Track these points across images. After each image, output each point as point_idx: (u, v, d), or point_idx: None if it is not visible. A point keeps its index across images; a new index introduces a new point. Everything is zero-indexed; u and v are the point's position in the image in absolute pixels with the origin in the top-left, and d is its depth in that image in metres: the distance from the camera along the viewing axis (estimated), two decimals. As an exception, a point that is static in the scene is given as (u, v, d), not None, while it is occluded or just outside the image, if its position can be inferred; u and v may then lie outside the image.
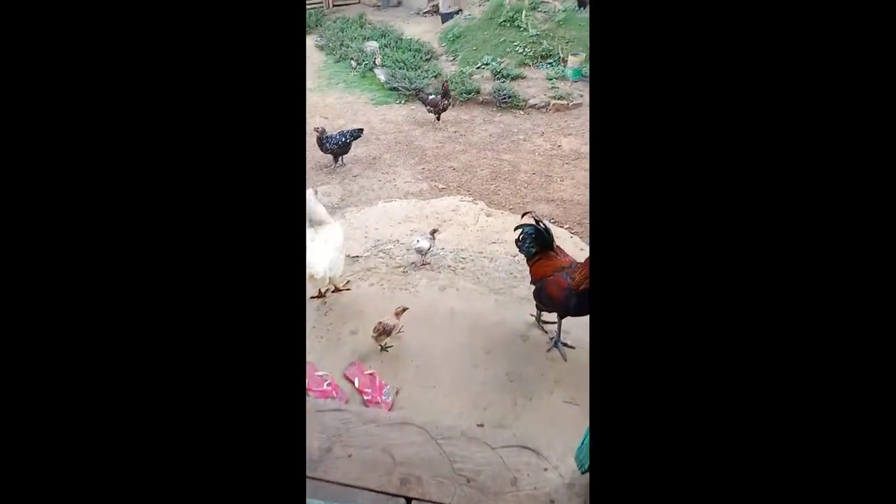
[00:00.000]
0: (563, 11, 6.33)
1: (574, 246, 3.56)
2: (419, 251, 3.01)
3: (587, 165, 4.71)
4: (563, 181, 4.30)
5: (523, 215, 2.58)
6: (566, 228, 3.79)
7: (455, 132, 5.12)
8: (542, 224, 2.42)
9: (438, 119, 5.16)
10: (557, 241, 3.75)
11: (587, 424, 2.20)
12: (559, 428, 2.03)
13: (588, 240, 3.74)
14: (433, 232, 3.12)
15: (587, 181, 4.26)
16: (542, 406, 2.12)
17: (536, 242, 2.42)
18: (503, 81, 5.67)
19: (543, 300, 2.34)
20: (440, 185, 4.28)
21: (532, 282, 2.42)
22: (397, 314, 2.33)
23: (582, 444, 1.55)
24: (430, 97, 5.12)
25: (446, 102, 5.07)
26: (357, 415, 1.35)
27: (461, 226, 3.80)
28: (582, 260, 2.36)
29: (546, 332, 2.47)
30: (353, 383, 2.22)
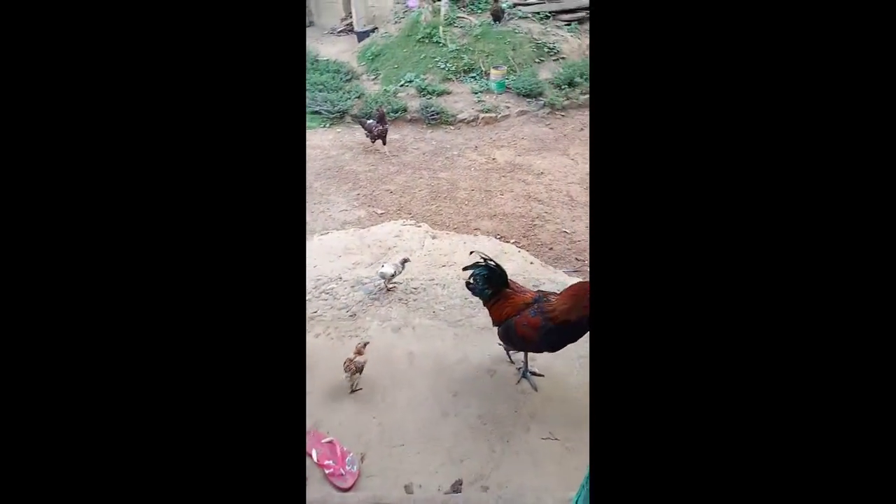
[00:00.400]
0: (479, 26, 6.34)
1: (524, 260, 3.46)
2: (382, 276, 2.86)
3: (524, 177, 4.69)
4: (502, 195, 4.21)
5: (471, 253, 2.34)
6: (513, 243, 3.69)
7: (387, 153, 4.90)
8: (491, 262, 2.20)
9: (375, 142, 4.85)
10: (506, 257, 3.66)
11: (569, 462, 2.02)
12: (542, 470, 1.87)
13: (534, 252, 3.67)
14: (404, 261, 2.96)
15: (526, 193, 4.22)
16: (520, 447, 1.94)
17: (490, 283, 2.19)
18: (429, 97, 5.54)
19: (514, 342, 2.15)
20: (378, 211, 4.03)
21: (495, 323, 2.21)
22: (360, 351, 2.18)
23: (579, 496, 1.39)
24: (368, 122, 4.84)
25: (381, 128, 4.79)
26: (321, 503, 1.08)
27: (407, 252, 3.57)
28: (538, 285, 2.23)
29: (514, 362, 2.31)
30: (310, 457, 1.92)
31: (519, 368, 2.25)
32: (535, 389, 2.18)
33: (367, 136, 4.87)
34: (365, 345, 2.23)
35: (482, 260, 2.22)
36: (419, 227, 3.85)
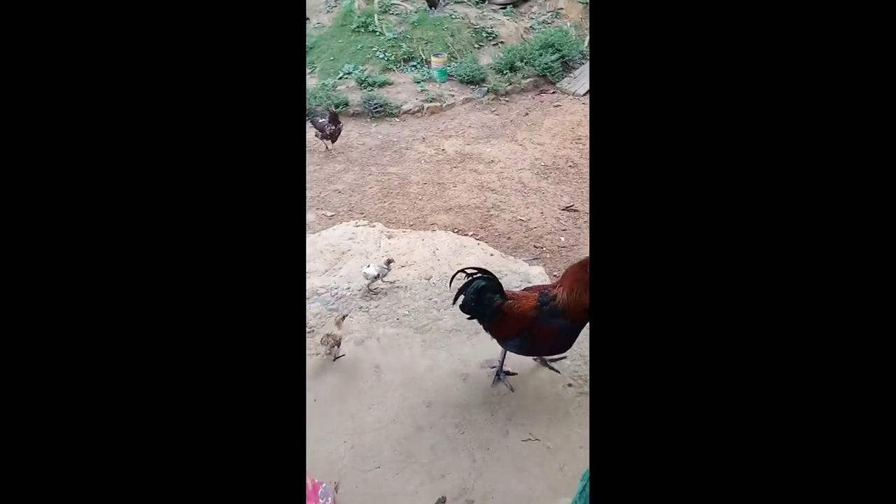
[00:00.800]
0: (416, 13, 6.10)
1: (484, 253, 3.36)
2: (366, 276, 2.76)
3: (475, 167, 4.57)
4: (455, 187, 4.08)
5: (453, 277, 2.08)
6: (471, 235, 3.58)
7: (333, 152, 4.63)
8: (481, 272, 2.00)
9: (333, 141, 4.51)
10: (465, 251, 3.55)
11: (552, 462, 1.94)
12: (526, 474, 1.79)
13: (492, 243, 3.59)
14: (389, 262, 2.84)
15: (479, 183, 4.11)
16: (501, 453, 1.86)
17: (492, 292, 1.96)
18: (371, 90, 5.28)
19: (539, 351, 2.02)
20: (328, 213, 3.80)
21: (502, 340, 2.01)
22: (338, 323, 2.25)
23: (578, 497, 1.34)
24: (320, 121, 4.47)
25: (334, 128, 4.45)
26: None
27: (363, 255, 3.38)
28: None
29: (499, 365, 2.17)
30: (277, 495, 1.74)
31: (493, 367, 2.16)
32: (512, 390, 2.09)
33: (318, 136, 4.54)
34: (343, 317, 2.33)
35: (468, 275, 2.00)
36: (373, 227, 3.66)
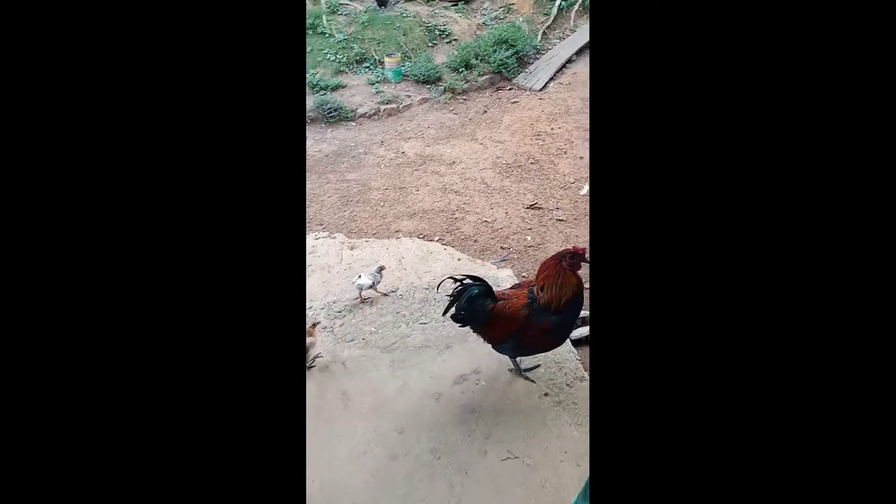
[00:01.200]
0: (365, 12, 5.86)
1: (451, 258, 3.23)
2: (360, 287, 2.64)
3: (437, 169, 4.42)
4: (418, 190, 3.92)
5: (438, 285, 2.00)
6: (437, 241, 3.43)
7: (286, 159, 4.37)
8: (471, 279, 1.90)
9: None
10: (433, 257, 3.41)
11: (534, 480, 1.85)
12: (508, 496, 1.68)
13: (459, 247, 3.46)
14: (380, 269, 2.73)
15: (441, 186, 3.97)
16: (481, 476, 1.74)
17: (484, 297, 1.86)
18: (324, 94, 5.03)
19: (525, 351, 1.93)
20: (286, 227, 3.57)
21: (498, 344, 1.91)
22: (310, 332, 2.16)
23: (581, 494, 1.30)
24: None
25: None
26: None
27: (324, 269, 3.18)
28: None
29: (517, 367, 2.07)
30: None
31: (511, 371, 2.05)
32: (534, 382, 2.03)
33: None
34: (314, 325, 2.25)
35: (457, 282, 1.89)
36: (334, 238, 3.46)
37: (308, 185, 4.00)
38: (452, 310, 1.89)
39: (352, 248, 3.37)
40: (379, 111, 4.90)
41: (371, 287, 2.67)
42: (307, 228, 3.53)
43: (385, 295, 2.74)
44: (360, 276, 2.70)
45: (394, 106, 4.94)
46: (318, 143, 4.58)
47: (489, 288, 1.89)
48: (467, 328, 1.96)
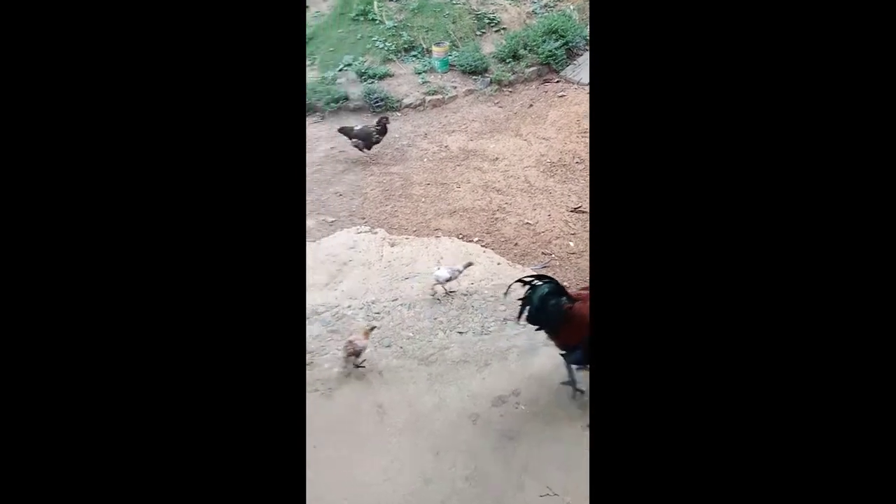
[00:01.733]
0: (416, -2, 5.62)
1: (490, 261, 3.07)
2: (437, 279, 2.58)
3: (479, 165, 4.21)
4: (459, 187, 3.74)
5: (506, 292, 1.84)
6: (476, 242, 3.28)
7: (332, 149, 4.27)
8: (539, 278, 1.77)
9: (369, 148, 3.96)
10: (471, 259, 3.27)
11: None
12: (544, 534, 1.57)
13: (499, 250, 3.29)
14: (468, 265, 2.66)
15: (483, 183, 3.78)
16: (517, 509, 1.63)
17: (557, 296, 1.73)
18: (371, 82, 4.87)
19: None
20: (329, 219, 3.49)
21: (571, 349, 1.76)
22: (366, 334, 2.11)
23: None
24: (356, 129, 3.93)
25: (380, 137, 3.94)
26: None
27: (364, 265, 3.10)
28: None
29: (573, 382, 1.92)
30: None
31: (564, 383, 1.91)
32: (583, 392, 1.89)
33: (358, 146, 3.96)
34: (372, 329, 2.17)
35: (526, 284, 1.76)
36: (375, 233, 3.37)
37: (352, 177, 3.91)
38: (526, 313, 1.78)
39: (392, 246, 3.27)
40: (424, 102, 4.71)
41: (448, 280, 2.56)
42: (350, 221, 3.45)
43: (449, 293, 2.63)
44: (438, 268, 2.63)
45: (439, 97, 4.73)
46: (363, 133, 4.46)
47: (560, 286, 1.78)
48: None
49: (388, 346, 2.25)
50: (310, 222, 3.44)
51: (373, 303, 2.62)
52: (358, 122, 4.20)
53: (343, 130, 4.01)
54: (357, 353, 2.07)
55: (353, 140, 3.97)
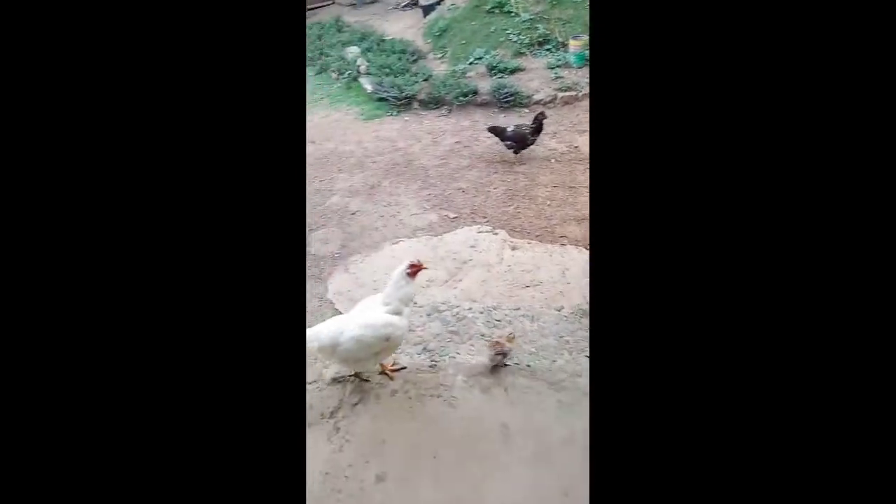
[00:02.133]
0: (555, -12, 5.26)
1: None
2: None
3: (615, 170, 3.84)
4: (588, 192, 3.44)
5: None
6: (606, 256, 2.97)
7: (457, 143, 4.20)
8: None
9: (517, 154, 3.74)
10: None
11: None
12: None
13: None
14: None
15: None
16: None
17: None
18: (501, 77, 4.68)
19: None
20: (451, 214, 3.41)
21: None
22: (510, 340, 2.06)
23: None
24: (510, 130, 3.66)
25: (534, 138, 3.70)
26: None
27: (484, 267, 2.97)
28: None
29: None
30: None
31: None
32: None
33: (512, 147, 3.68)
34: (514, 337, 2.11)
35: None
36: (496, 234, 3.20)
37: (475, 174, 3.79)
38: None
39: (513, 249, 3.08)
40: (555, 98, 4.40)
41: None
42: (471, 219, 3.34)
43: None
44: None
45: (572, 94, 4.38)
46: (490, 128, 4.31)
47: None
48: None
49: (512, 359, 2.08)
50: (432, 216, 3.40)
51: (493, 308, 2.47)
52: (509, 122, 3.99)
53: (494, 130, 3.78)
54: (505, 355, 2.01)
55: (507, 142, 3.73)
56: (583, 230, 3.08)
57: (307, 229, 3.35)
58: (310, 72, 5.96)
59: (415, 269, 1.82)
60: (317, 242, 3.25)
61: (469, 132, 4.26)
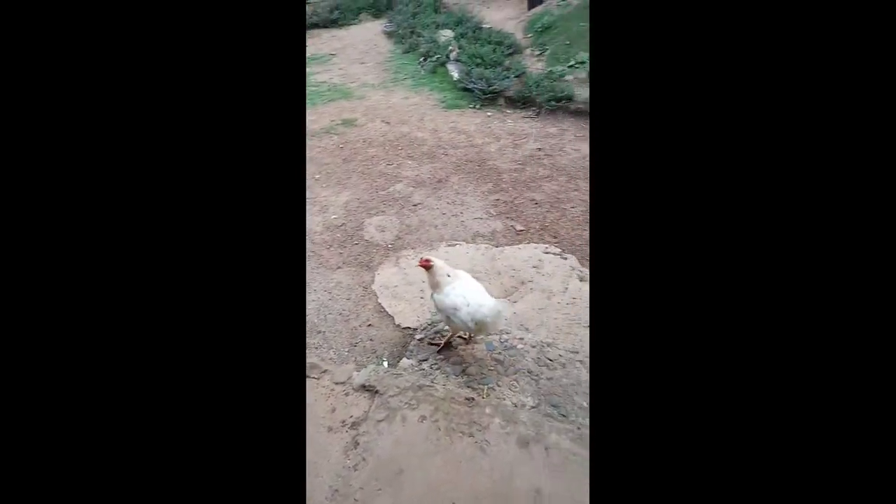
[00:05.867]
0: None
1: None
2: None
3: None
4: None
5: None
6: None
7: (539, 150, 4.00)
8: None
9: None
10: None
11: None
12: None
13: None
14: None
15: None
16: None
17: None
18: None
19: None
20: (518, 226, 3.23)
21: None
22: None
23: None
24: None
25: None
26: None
27: (545, 293, 2.76)
28: None
29: None
30: None
31: None
32: None
33: None
34: None
35: None
36: (565, 259, 2.98)
37: (553, 187, 3.57)
38: None
39: (581, 280, 2.84)
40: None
41: None
42: (539, 236, 3.13)
43: None
44: None
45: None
46: (578, 140, 4.05)
47: None
48: None
49: (558, 412, 1.88)
50: (497, 224, 3.24)
51: (548, 345, 2.26)
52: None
53: None
54: None
55: None
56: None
57: (366, 214, 3.31)
58: (398, 49, 5.97)
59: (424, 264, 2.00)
60: (372, 228, 3.20)
61: (555, 140, 4.04)
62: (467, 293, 1.99)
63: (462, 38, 5.42)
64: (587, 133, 4.10)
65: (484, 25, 5.75)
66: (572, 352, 2.24)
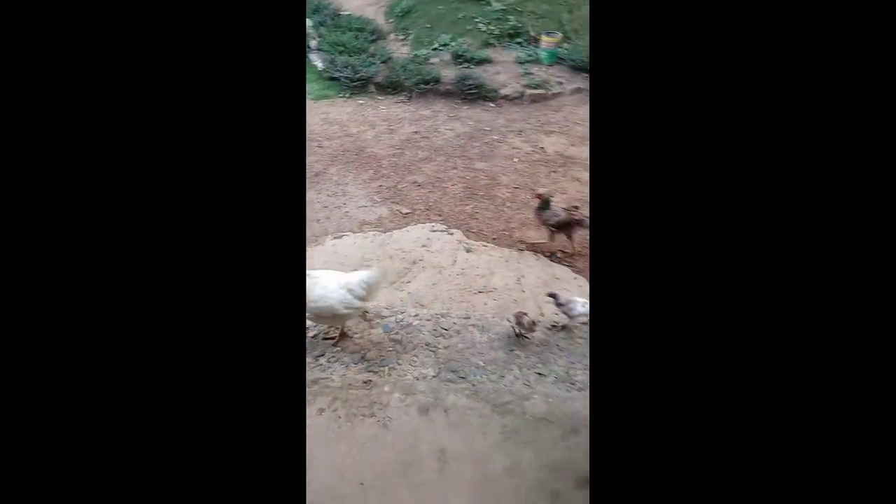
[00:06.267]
0: (529, -20, 5.26)
1: (582, 291, 2.71)
2: (570, 312, 2.25)
3: (579, 175, 3.81)
4: (552, 197, 3.41)
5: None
6: (567, 265, 2.93)
7: (415, 133, 4.05)
8: None
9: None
10: (558, 284, 2.91)
11: None
12: None
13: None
14: (551, 295, 2.38)
15: (582, 197, 3.39)
16: None
17: None
18: (467, 67, 4.60)
19: None
20: (403, 210, 3.27)
21: None
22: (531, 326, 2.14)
23: None
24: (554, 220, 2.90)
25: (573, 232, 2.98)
26: None
27: (436, 268, 2.84)
28: None
29: None
30: None
31: None
32: None
33: (552, 229, 2.88)
34: (534, 323, 2.17)
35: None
36: (451, 234, 3.09)
37: (432, 168, 3.66)
38: None
39: (468, 251, 2.98)
40: (523, 95, 4.37)
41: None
42: (425, 216, 3.21)
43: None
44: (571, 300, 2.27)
45: (541, 92, 4.37)
46: (451, 120, 4.20)
47: None
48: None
49: (461, 378, 1.97)
50: (383, 210, 3.24)
51: (442, 316, 2.35)
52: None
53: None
54: (531, 326, 2.13)
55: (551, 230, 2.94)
56: (541, 236, 3.04)
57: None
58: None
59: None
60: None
61: (429, 122, 4.14)
62: (312, 291, 1.97)
63: (321, 26, 5.24)
64: (458, 113, 4.27)
65: (343, 12, 5.62)
66: (465, 318, 2.35)
